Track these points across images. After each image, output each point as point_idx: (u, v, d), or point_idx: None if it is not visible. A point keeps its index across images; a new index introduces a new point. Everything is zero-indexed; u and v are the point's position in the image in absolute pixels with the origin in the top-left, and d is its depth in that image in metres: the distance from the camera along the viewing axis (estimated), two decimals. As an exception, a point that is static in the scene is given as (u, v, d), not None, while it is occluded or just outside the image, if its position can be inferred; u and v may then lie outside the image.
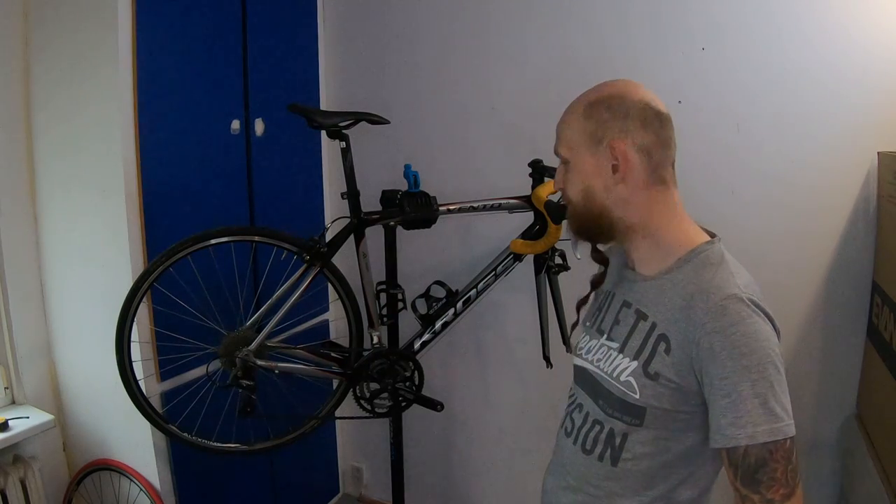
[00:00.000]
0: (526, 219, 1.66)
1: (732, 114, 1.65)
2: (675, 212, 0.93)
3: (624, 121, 0.88)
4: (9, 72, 1.64)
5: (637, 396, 0.86)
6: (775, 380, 0.79)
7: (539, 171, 1.67)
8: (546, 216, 1.59)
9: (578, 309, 1.08)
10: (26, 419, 1.65)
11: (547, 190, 1.58)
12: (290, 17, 2.02)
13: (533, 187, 1.64)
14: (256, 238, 1.53)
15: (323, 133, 1.75)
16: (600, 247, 1.01)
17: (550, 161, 1.66)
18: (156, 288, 1.48)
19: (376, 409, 1.64)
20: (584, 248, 1.03)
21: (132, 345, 1.43)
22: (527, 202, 1.63)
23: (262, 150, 1.88)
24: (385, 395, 1.65)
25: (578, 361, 1.01)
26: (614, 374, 0.90)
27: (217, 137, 1.74)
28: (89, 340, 1.67)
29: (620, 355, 0.90)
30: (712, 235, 0.94)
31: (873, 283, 1.54)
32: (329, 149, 2.17)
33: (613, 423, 0.90)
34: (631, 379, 0.87)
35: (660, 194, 0.91)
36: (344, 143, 1.51)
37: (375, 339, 1.63)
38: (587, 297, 1.07)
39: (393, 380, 1.62)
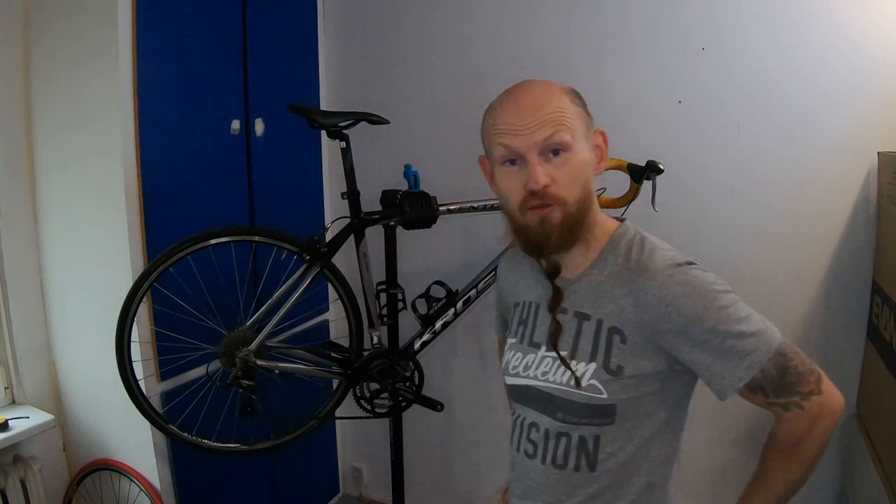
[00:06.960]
0: (526, 219, 1.66)
1: (732, 114, 1.65)
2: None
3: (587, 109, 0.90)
4: (9, 72, 1.64)
5: (605, 396, 0.85)
6: (741, 304, 0.83)
7: (539, 172, 1.66)
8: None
9: (555, 343, 0.91)
10: (26, 419, 1.65)
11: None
12: (290, 17, 2.02)
13: (533, 187, 1.64)
14: (256, 238, 1.53)
15: (323, 133, 1.75)
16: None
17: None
18: (156, 288, 1.48)
19: (376, 410, 1.64)
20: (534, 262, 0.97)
21: (132, 345, 1.43)
22: (527, 202, 1.63)
23: (262, 150, 1.88)
24: (385, 395, 1.65)
25: (517, 381, 0.95)
26: (572, 383, 0.87)
27: (217, 137, 1.74)
28: (89, 340, 1.67)
29: (574, 362, 0.88)
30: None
31: (873, 283, 1.54)
32: (329, 149, 2.17)
33: (582, 429, 0.88)
34: (594, 381, 0.86)
35: None
36: (344, 143, 1.51)
37: (375, 339, 1.63)
38: (558, 327, 0.92)
39: (393, 380, 1.62)
